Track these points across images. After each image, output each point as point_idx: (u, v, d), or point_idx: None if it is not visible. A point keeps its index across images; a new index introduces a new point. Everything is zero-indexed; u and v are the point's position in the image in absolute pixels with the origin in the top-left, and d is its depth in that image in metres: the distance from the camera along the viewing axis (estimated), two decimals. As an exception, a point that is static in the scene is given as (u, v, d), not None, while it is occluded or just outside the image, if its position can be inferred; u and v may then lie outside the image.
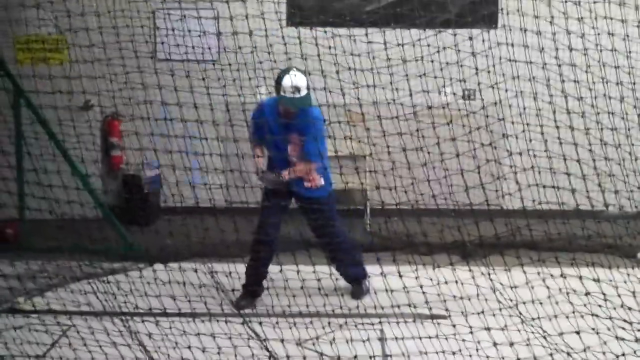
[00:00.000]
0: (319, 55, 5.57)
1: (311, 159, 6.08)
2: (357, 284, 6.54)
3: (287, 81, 5.94)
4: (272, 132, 6.12)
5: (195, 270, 5.75)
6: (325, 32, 5.87)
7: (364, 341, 5.04)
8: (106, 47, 6.11)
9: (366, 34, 5.77)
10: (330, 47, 5.84)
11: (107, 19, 6.16)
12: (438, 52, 5.73)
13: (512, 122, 5.68)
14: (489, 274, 5.31)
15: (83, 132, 6.84)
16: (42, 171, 6.64)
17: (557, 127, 5.39)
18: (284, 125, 6.11)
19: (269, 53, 5.82)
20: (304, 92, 5.98)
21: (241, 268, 6.27)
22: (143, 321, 5.45)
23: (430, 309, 5.35)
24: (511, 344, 4.86)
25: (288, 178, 6.11)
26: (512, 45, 5.54)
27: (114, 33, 6.14)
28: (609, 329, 4.92)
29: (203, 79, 5.72)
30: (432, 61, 5.83)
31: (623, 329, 5.00)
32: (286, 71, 5.99)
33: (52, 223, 7.33)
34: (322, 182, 6.29)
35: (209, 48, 6.46)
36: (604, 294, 5.03)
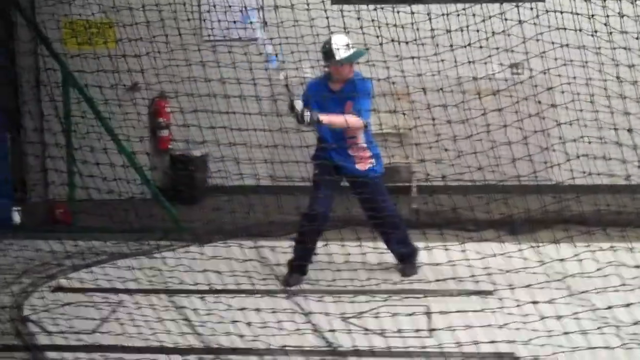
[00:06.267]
0: (361, 27, 5.51)
1: (363, 116, 5.99)
2: (408, 262, 6.48)
3: (338, 40, 5.94)
4: (323, 109, 6.05)
5: (241, 246, 5.74)
6: (368, 5, 5.80)
7: (409, 315, 4.99)
8: (150, 26, 6.15)
9: (409, 4, 5.66)
10: (372, 20, 5.77)
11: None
12: (483, 21, 5.60)
13: (562, 92, 5.53)
14: (537, 247, 5.19)
15: (130, 111, 6.89)
16: (88, 150, 6.72)
17: (608, 97, 5.25)
18: (336, 98, 6.06)
19: (311, 27, 5.79)
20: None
21: (286, 244, 6.25)
22: (189, 297, 5.48)
23: (477, 282, 5.26)
24: (559, 318, 4.75)
25: (323, 120, 5.95)
26: (561, 13, 5.39)
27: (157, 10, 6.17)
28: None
29: (245, 54, 5.71)
30: (478, 31, 5.71)
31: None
32: (328, 40, 5.98)
33: (101, 202, 7.41)
34: (374, 161, 6.23)
35: (251, 23, 6.45)
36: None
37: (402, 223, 6.49)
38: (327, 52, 6.07)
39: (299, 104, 5.82)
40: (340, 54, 6.00)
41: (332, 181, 6.22)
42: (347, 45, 5.97)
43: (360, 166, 6.22)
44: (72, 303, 5.76)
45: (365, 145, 6.16)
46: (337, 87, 6.15)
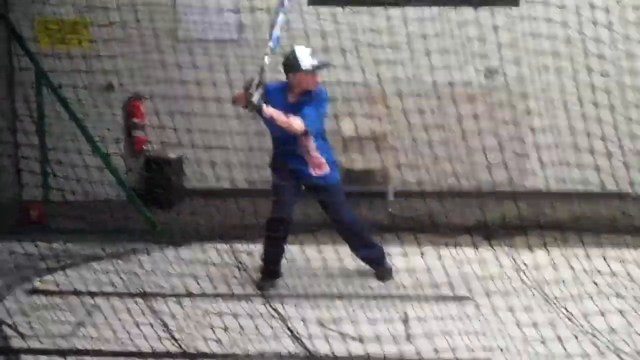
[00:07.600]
0: (338, 31, 5.49)
1: (306, 122, 5.93)
2: (378, 266, 6.48)
3: (301, 50, 5.89)
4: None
5: (217, 250, 5.73)
6: (343, 8, 5.79)
7: (386, 321, 5.02)
8: (126, 26, 6.12)
9: (385, 8, 5.66)
10: (348, 24, 5.77)
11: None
12: (459, 27, 5.62)
13: (535, 99, 5.59)
14: (512, 255, 5.24)
15: (104, 111, 6.84)
16: (62, 150, 6.66)
17: (581, 104, 5.30)
18: (291, 109, 6.00)
19: (287, 31, 5.76)
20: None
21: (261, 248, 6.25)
22: (166, 301, 5.47)
23: (453, 288, 5.29)
24: (535, 325, 4.81)
25: (265, 112, 5.78)
26: (535, 19, 5.43)
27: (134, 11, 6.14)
28: (634, 310, 4.85)
29: (220, 57, 5.68)
30: (453, 37, 5.73)
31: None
32: (292, 51, 5.93)
33: (76, 204, 7.35)
34: (328, 168, 6.21)
35: (227, 24, 6.41)
36: (629, 275, 4.95)
37: (361, 228, 6.44)
38: (292, 62, 6.00)
39: (255, 88, 5.74)
40: (306, 64, 5.95)
41: (291, 186, 6.20)
42: (311, 55, 5.92)
43: (315, 172, 6.19)
44: (48, 306, 5.73)
45: (316, 151, 6.12)
46: (294, 99, 6.09)
